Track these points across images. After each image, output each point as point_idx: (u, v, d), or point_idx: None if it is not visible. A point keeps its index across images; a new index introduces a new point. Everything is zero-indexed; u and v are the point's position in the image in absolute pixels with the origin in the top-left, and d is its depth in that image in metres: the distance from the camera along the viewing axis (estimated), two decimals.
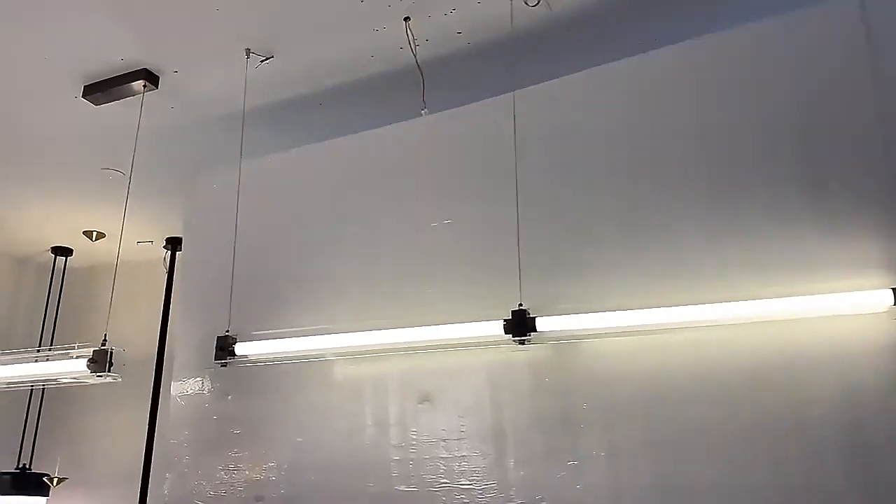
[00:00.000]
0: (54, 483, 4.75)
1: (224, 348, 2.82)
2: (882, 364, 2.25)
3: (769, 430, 2.32)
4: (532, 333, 2.51)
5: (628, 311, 2.40)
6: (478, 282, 2.81)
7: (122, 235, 5.13)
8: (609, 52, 2.75)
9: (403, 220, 3.05)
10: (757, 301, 2.33)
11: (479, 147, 2.96)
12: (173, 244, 5.31)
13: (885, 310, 2.22)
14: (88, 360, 2.97)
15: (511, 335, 2.52)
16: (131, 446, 4.86)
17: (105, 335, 3.09)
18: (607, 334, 2.49)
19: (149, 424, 4.89)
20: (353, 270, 3.10)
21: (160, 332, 5.16)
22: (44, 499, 4.85)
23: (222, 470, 3.11)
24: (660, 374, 2.50)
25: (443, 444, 2.77)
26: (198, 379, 3.26)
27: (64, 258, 5.57)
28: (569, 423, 2.59)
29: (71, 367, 3.06)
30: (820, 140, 2.45)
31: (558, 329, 2.50)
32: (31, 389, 5.16)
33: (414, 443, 2.82)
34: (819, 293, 2.29)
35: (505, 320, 2.53)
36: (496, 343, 2.61)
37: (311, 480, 2.95)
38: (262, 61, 3.29)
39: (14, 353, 3.37)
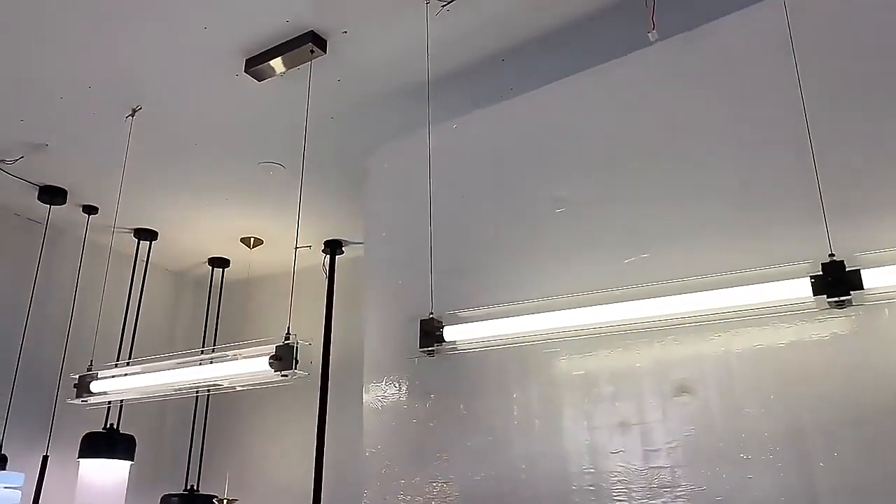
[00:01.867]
0: None
1: (430, 333, 2.31)
2: None
3: None
4: (853, 292, 1.84)
5: None
6: (756, 237, 2.18)
7: (285, 238, 4.92)
8: None
9: (637, 169, 2.47)
10: None
11: (739, 63, 2.35)
12: (332, 248, 4.96)
13: None
14: (271, 358, 2.55)
15: (825, 295, 1.86)
16: (303, 464, 4.48)
17: (288, 328, 2.67)
18: None
19: (317, 439, 4.50)
20: (574, 237, 2.54)
21: (324, 341, 4.80)
22: None
23: (429, 482, 2.61)
24: None
25: (718, 447, 2.15)
26: (393, 379, 2.79)
27: (221, 269, 5.33)
28: (889, 417, 1.92)
29: (251, 367, 2.64)
30: None
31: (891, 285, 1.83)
32: (196, 406, 4.92)
33: (672, 445, 2.21)
34: None
35: (812, 277, 1.89)
36: (799, 309, 1.97)
37: (536, 494, 2.39)
38: (443, 6, 2.81)
39: (185, 355, 3.02)
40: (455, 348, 2.35)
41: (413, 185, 2.92)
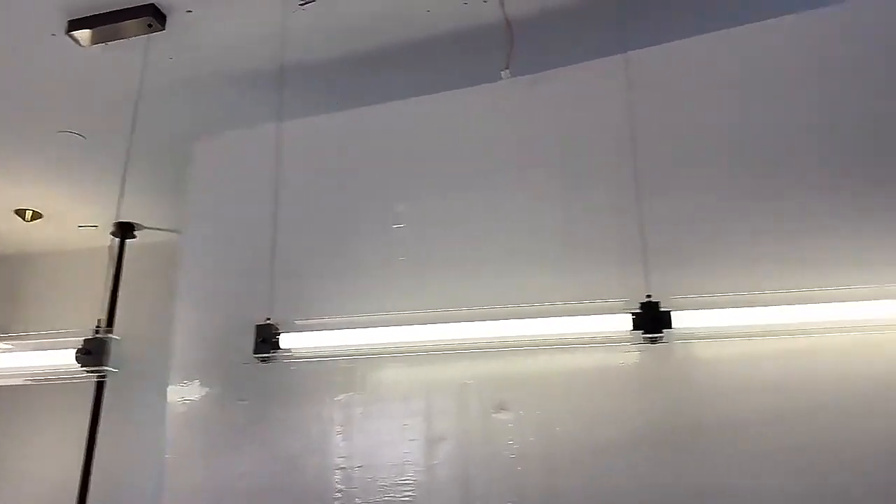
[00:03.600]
0: None
1: (266, 340, 2.26)
2: None
3: None
4: (665, 330, 2.11)
5: (790, 307, 2.04)
6: (584, 269, 2.39)
7: (70, 215, 4.48)
8: (721, 15, 2.43)
9: (480, 198, 2.60)
10: None
11: (580, 111, 2.56)
12: (123, 231, 4.61)
13: None
14: (79, 352, 2.33)
15: (642, 331, 2.11)
16: (68, 466, 4.09)
17: (99, 320, 2.46)
18: (758, 333, 2.12)
19: (88, 440, 4.14)
20: (411, 254, 2.61)
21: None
22: None
23: (233, 490, 2.53)
24: (788, 383, 2.17)
25: (530, 462, 2.32)
26: (203, 381, 2.67)
27: None
28: (684, 436, 2.21)
29: (50, 361, 2.40)
30: None
31: (699, 326, 2.12)
32: None
33: (484, 459, 2.35)
34: None
35: (634, 314, 2.12)
36: (617, 341, 2.20)
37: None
38: (301, 4, 2.77)
39: None
40: (291, 356, 2.31)
41: (245, 181, 2.84)
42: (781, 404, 2.15)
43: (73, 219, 4.58)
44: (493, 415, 2.39)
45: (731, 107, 2.45)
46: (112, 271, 4.56)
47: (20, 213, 4.48)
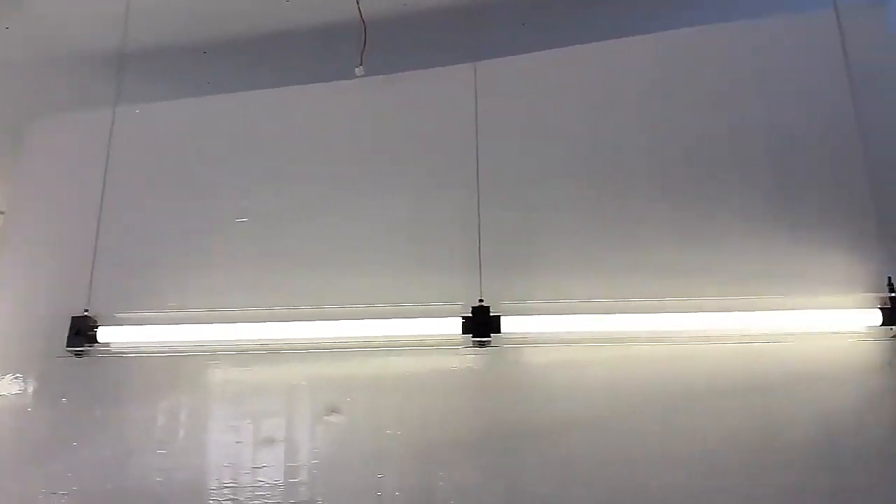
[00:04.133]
0: None
1: (81, 332, 2.12)
2: (858, 385, 2.17)
3: (735, 449, 2.15)
4: (494, 334, 2.14)
5: (611, 316, 2.12)
6: (426, 273, 2.39)
7: None
8: (578, 33, 2.51)
9: (326, 195, 2.56)
10: (727, 314, 2.16)
11: (429, 117, 2.57)
12: None
13: (865, 330, 2.15)
14: None
15: (471, 335, 2.12)
16: None
17: None
18: (580, 340, 2.19)
19: None
20: (252, 250, 2.54)
21: None
22: None
23: (48, 494, 2.36)
24: (617, 390, 2.25)
25: (357, 466, 2.29)
26: (19, 377, 2.48)
27: None
28: (510, 441, 2.24)
29: None
30: (795, 150, 2.39)
31: (527, 331, 2.16)
32: None
33: (313, 463, 2.30)
34: (795, 309, 2.18)
35: (464, 318, 2.14)
36: (447, 344, 2.21)
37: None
38: None
39: None
40: (109, 351, 2.18)
41: (76, 167, 2.68)
42: (602, 410, 2.22)
43: None
44: (325, 417, 2.34)
45: (572, 121, 2.53)
46: None
47: None
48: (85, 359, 2.38)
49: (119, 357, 2.39)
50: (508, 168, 2.49)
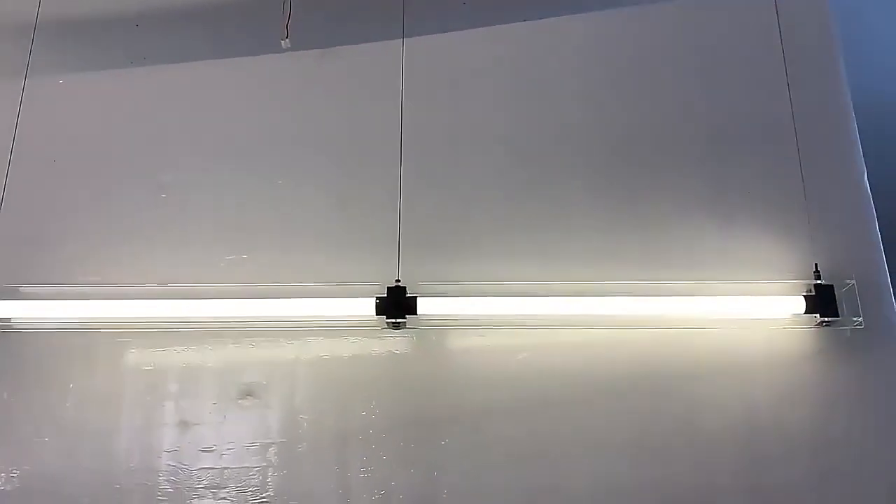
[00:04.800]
0: None
1: None
2: (778, 375, 2.13)
3: (656, 437, 2.11)
4: (409, 316, 2.07)
5: (529, 299, 2.06)
6: (345, 253, 2.32)
7: None
8: (512, 12, 2.45)
9: (247, 171, 2.48)
10: (652, 299, 2.11)
11: (354, 94, 2.51)
12: None
13: (789, 317, 2.11)
14: None
15: (384, 316, 2.05)
16: None
17: None
18: (501, 324, 2.12)
19: None
20: (169, 226, 2.45)
21: None
22: None
23: None
24: (540, 376, 2.20)
25: (270, 449, 2.21)
26: None
27: None
28: (428, 428, 2.18)
29: None
30: (730, 136, 2.36)
31: (443, 313, 2.09)
32: None
33: (229, 448, 2.22)
34: (721, 295, 2.14)
35: (378, 298, 2.07)
36: (362, 326, 2.15)
37: (74, 494, 2.22)
38: None
39: None
40: (9, 326, 2.08)
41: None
42: (523, 398, 2.16)
43: None
44: (239, 401, 2.26)
45: (501, 101, 2.47)
46: None
47: None
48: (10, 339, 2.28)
49: (25, 336, 2.29)
50: (434, 147, 2.43)
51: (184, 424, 2.27)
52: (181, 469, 2.21)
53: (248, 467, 2.21)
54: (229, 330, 2.28)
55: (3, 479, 2.25)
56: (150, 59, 2.63)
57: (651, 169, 2.37)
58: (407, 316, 2.08)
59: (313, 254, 2.36)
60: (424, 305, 2.07)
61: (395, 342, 2.26)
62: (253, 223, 2.44)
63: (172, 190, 2.50)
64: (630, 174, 2.37)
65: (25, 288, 2.14)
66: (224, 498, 2.17)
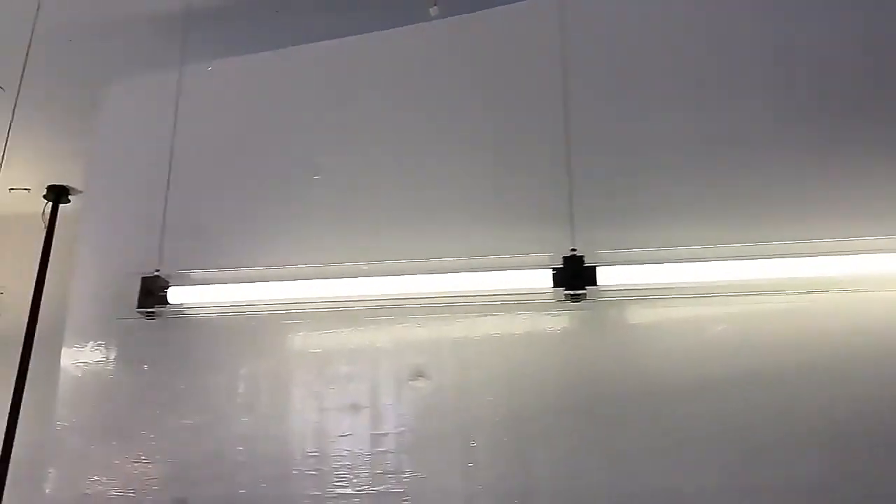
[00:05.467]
0: None
1: (153, 293, 2.03)
2: None
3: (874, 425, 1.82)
4: (589, 287, 1.89)
5: (725, 263, 1.83)
6: (511, 225, 2.17)
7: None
8: None
9: (403, 147, 2.38)
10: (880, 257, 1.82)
11: (510, 58, 2.34)
12: (57, 194, 4.35)
13: None
14: None
15: (563, 288, 1.89)
16: None
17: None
18: (687, 293, 1.91)
19: (11, 410, 3.89)
20: (328, 206, 2.39)
21: (33, 299, 4.18)
22: None
23: (130, 462, 2.31)
24: (741, 350, 1.95)
25: (446, 434, 2.11)
26: (100, 343, 2.44)
27: None
28: (611, 408, 2.00)
29: None
30: None
31: (626, 283, 1.90)
32: None
33: (399, 430, 2.14)
34: None
35: (555, 269, 1.91)
36: (537, 300, 1.99)
37: (254, 478, 2.21)
38: None
39: None
40: (181, 312, 2.08)
41: (151, 128, 2.60)
42: (716, 375, 1.94)
43: (3, 181, 4.29)
44: (410, 382, 2.18)
45: (673, 52, 2.24)
46: (44, 237, 4.30)
47: None
48: (166, 323, 2.31)
49: (199, 322, 2.30)
50: (601, 107, 2.23)
51: (355, 408, 2.21)
52: (357, 454, 2.15)
53: (421, 451, 2.12)
54: (398, 309, 2.19)
55: (181, 462, 2.28)
56: (298, 40, 2.56)
57: (850, 117, 2.07)
58: (587, 288, 1.90)
59: (477, 227, 2.22)
60: (605, 275, 1.89)
61: (568, 317, 2.10)
62: (412, 199, 2.34)
63: (326, 170, 2.44)
64: (830, 123, 2.08)
65: (195, 273, 2.13)
66: (404, 482, 2.09)
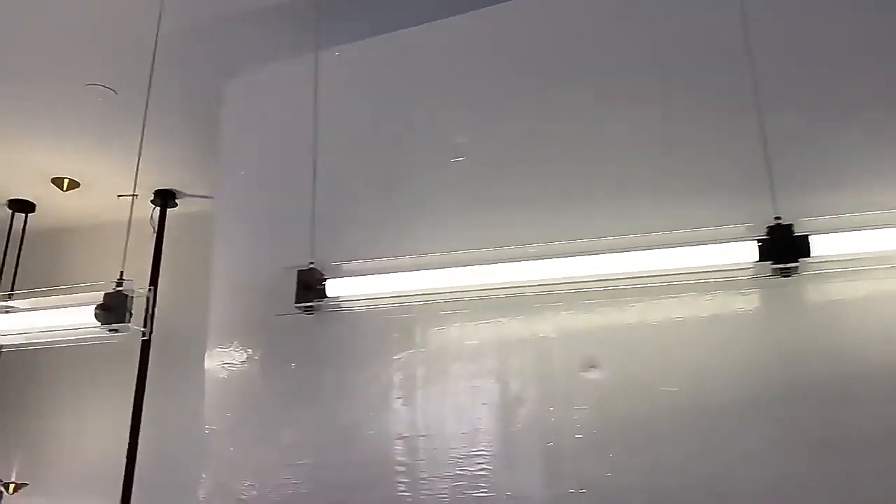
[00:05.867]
0: (10, 490, 3.72)
1: (310, 286, 1.90)
2: None
3: None
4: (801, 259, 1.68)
5: None
6: (691, 197, 1.97)
7: (108, 182, 4.21)
8: None
9: (561, 118, 2.20)
10: None
11: (689, 19, 2.14)
12: (164, 199, 4.32)
13: None
14: (98, 308, 2.02)
15: (772, 262, 1.68)
16: (113, 443, 3.84)
17: (122, 273, 2.15)
18: None
19: (133, 415, 3.87)
20: (476, 183, 2.23)
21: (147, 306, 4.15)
22: None
23: (284, 466, 2.20)
24: None
25: (625, 429, 1.92)
26: (244, 343, 2.34)
27: (24, 214, 4.49)
28: (820, 396, 1.78)
29: (68, 320, 2.10)
30: None
31: (841, 253, 1.68)
32: None
33: (571, 426, 1.96)
34: None
35: (760, 240, 1.70)
36: (735, 276, 1.78)
37: (415, 481, 2.07)
38: None
39: None
40: (337, 306, 1.95)
41: (281, 119, 2.49)
42: None
43: (111, 187, 4.30)
44: (581, 373, 2.00)
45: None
46: (153, 242, 4.28)
47: (57, 181, 4.22)
48: (312, 319, 2.19)
49: (348, 315, 2.17)
50: (789, 62, 2.00)
51: (519, 401, 2.04)
52: (527, 452, 1.99)
53: (599, 448, 1.94)
54: (566, 294, 2.01)
55: (335, 464, 2.16)
56: (436, 14, 2.41)
57: None
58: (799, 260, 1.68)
59: (650, 198, 2.03)
60: (819, 245, 1.67)
61: (761, 295, 1.88)
62: (571, 172, 2.16)
63: (468, 151, 2.28)
64: None
65: (347, 265, 1.99)
66: (582, 482, 1.91)
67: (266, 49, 2.83)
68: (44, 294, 2.16)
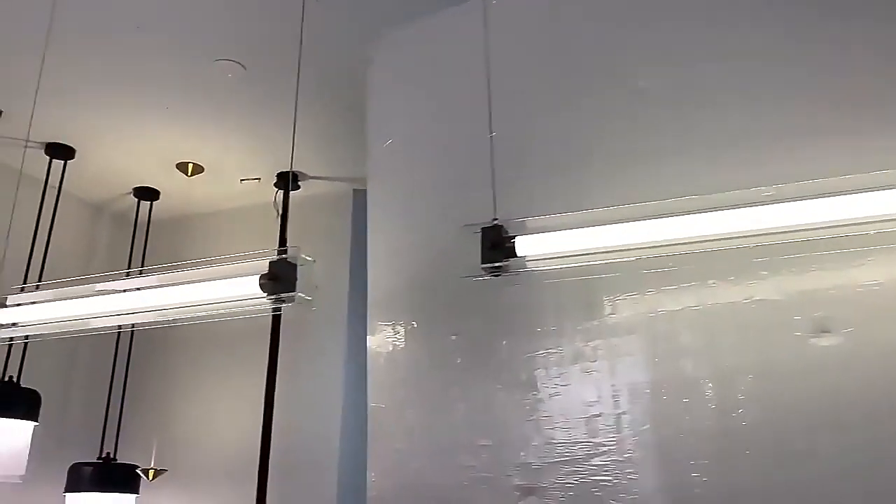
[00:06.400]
0: (149, 476, 3.69)
1: (498, 245, 1.69)
2: None
3: None
4: None
5: None
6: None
7: (231, 166, 4.15)
8: None
9: (766, 53, 1.93)
10: None
11: None
12: (286, 182, 4.23)
13: None
14: (263, 277, 1.87)
15: None
16: (249, 425, 3.76)
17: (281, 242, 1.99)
18: None
19: (266, 396, 3.79)
20: (656, 136, 1.98)
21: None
22: (134, 496, 3.79)
23: (460, 446, 2.01)
24: None
25: (874, 403, 1.64)
26: (406, 316, 2.16)
27: (149, 202, 4.49)
28: None
29: (229, 291, 1.96)
30: None
31: None
32: (115, 354, 4.10)
33: (801, 400, 1.69)
34: None
35: None
36: None
37: (614, 462, 1.84)
38: None
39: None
40: (523, 266, 1.74)
41: (441, 70, 2.30)
42: None
43: (234, 171, 4.23)
44: (811, 340, 1.72)
45: None
46: (278, 226, 4.19)
47: (182, 167, 4.18)
48: (480, 285, 1.97)
49: (523, 277, 1.95)
50: None
51: (737, 374, 1.78)
52: (749, 429, 1.72)
53: (841, 426, 1.66)
54: (787, 245, 1.73)
55: (511, 449, 1.95)
56: None
57: None
58: None
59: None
60: None
61: None
62: (770, 117, 1.89)
63: (655, 95, 2.03)
64: None
65: (534, 222, 1.78)
66: (822, 468, 1.64)
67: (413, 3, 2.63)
68: (197, 267, 2.03)
